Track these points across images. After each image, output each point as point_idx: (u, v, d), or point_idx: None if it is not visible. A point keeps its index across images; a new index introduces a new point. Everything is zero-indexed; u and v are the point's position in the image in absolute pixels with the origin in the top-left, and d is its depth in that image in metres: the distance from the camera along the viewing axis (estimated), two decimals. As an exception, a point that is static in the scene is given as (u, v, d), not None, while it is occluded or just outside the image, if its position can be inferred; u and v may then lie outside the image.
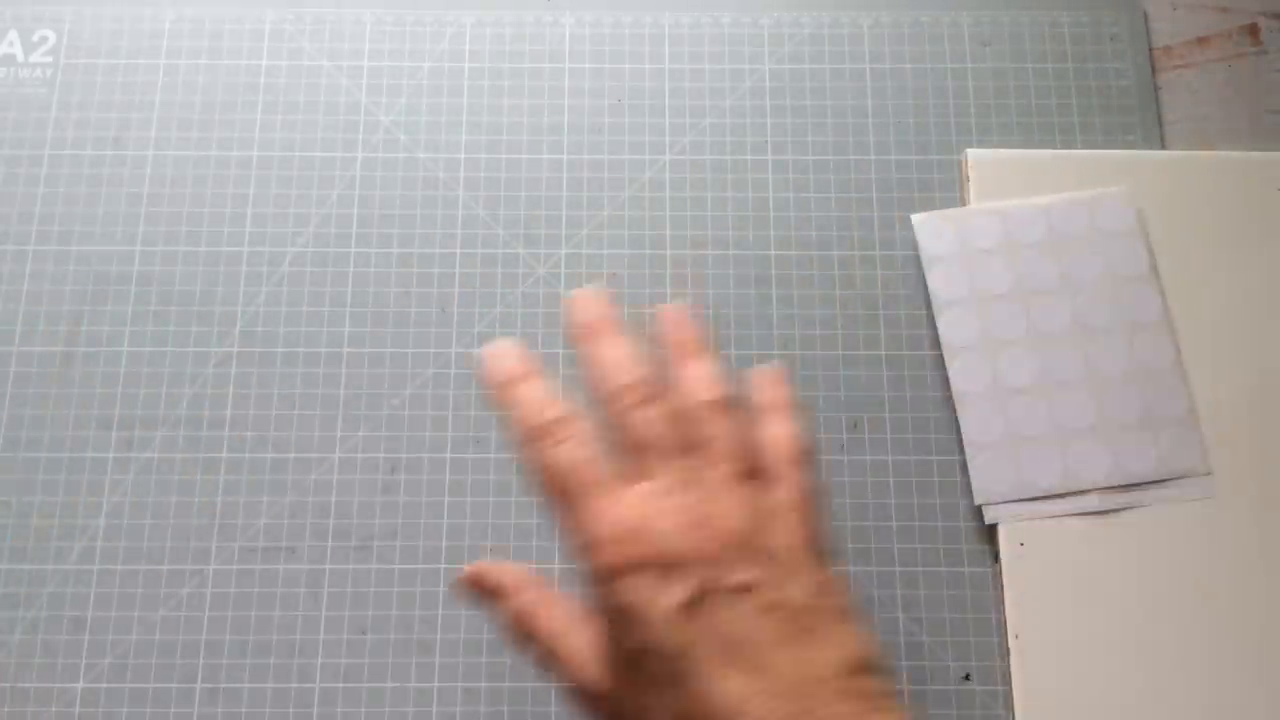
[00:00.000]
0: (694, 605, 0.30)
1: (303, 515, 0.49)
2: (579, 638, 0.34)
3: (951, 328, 0.51)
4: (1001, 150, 0.54)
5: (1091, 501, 0.48)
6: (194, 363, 0.51)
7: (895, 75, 0.56)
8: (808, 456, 0.36)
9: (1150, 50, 0.56)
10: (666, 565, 0.31)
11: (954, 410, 0.50)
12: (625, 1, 0.57)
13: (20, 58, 0.56)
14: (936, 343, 0.51)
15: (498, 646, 0.48)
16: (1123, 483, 0.49)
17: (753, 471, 0.34)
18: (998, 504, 0.49)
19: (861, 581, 0.49)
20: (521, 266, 0.53)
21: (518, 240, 0.53)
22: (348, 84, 0.56)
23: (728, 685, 0.29)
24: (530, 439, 0.35)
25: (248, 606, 0.48)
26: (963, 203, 0.53)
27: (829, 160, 0.55)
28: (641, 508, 0.32)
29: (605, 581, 0.32)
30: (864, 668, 0.31)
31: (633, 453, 0.34)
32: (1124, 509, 0.49)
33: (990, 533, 0.49)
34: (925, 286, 0.52)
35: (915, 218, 0.52)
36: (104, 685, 0.47)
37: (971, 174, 0.53)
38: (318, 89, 0.56)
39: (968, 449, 0.49)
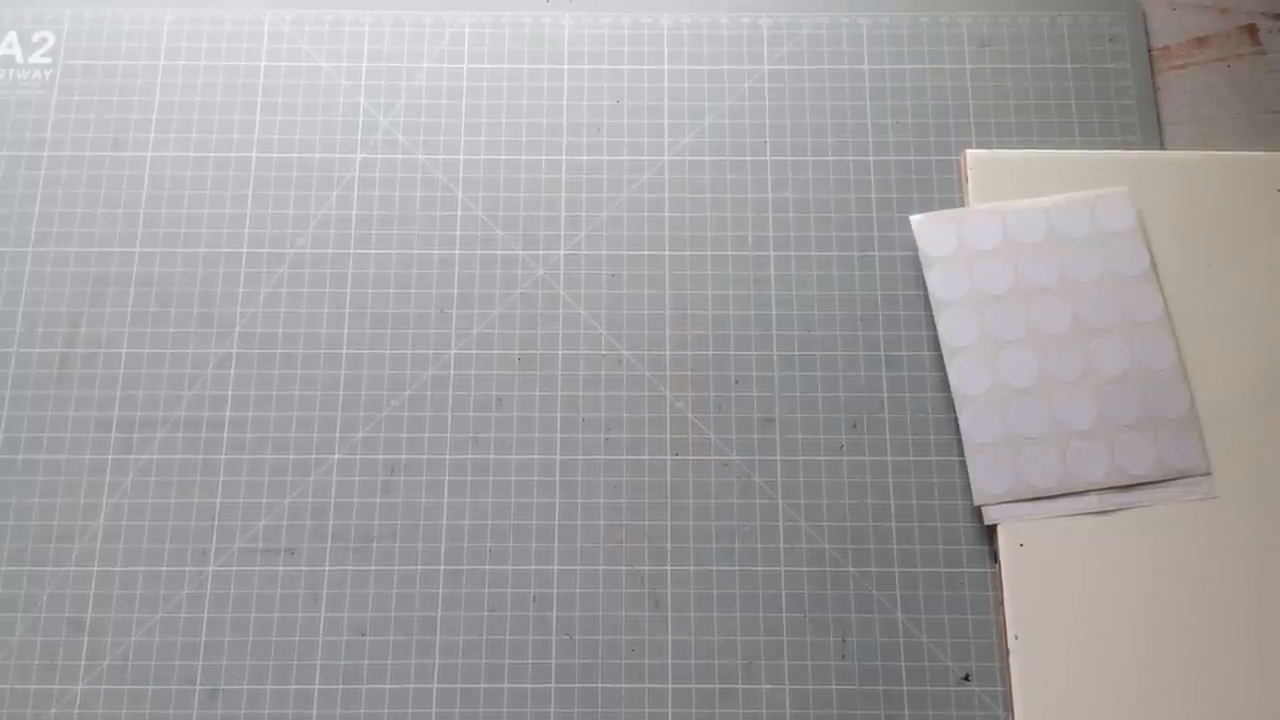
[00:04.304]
0: None
1: (303, 515, 0.49)
2: None
3: (951, 328, 0.51)
4: (1001, 150, 0.54)
5: (1091, 502, 0.48)
6: (194, 363, 0.51)
7: (895, 75, 0.56)
8: None
9: (1150, 50, 0.56)
10: None
11: (954, 410, 0.50)
12: (625, 1, 0.57)
13: (20, 59, 0.56)
14: (936, 343, 0.51)
15: (498, 647, 0.48)
16: (1122, 483, 0.49)
17: None
18: (997, 504, 0.49)
19: (861, 581, 0.49)
20: (521, 267, 0.53)
21: (517, 241, 0.53)
22: (347, 84, 0.56)
23: None
24: None
25: (248, 607, 0.48)
26: (962, 203, 0.53)
27: (829, 160, 0.55)
28: None
29: None
30: None
31: None
32: (1124, 509, 0.48)
33: (990, 533, 0.49)
34: (925, 286, 0.52)
35: (914, 218, 0.52)
36: (104, 686, 0.47)
37: (971, 174, 0.53)
38: (317, 89, 0.56)
39: (967, 449, 0.49)
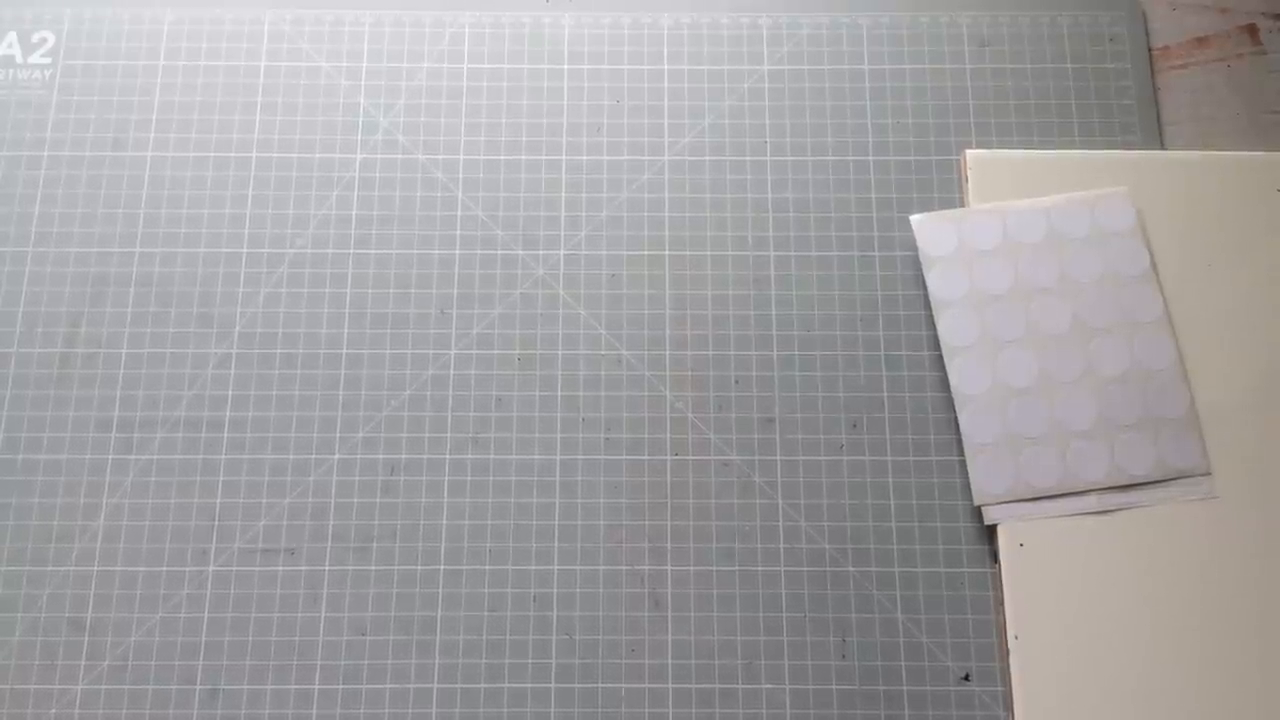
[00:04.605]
0: None
1: (303, 515, 0.49)
2: None
3: (951, 328, 0.51)
4: (1001, 150, 0.54)
5: (1091, 502, 0.48)
6: (194, 363, 0.51)
7: (895, 75, 0.56)
8: None
9: (1150, 50, 0.56)
10: None
11: (954, 410, 0.50)
12: (625, 1, 0.57)
13: (20, 59, 0.56)
14: (936, 343, 0.51)
15: (498, 646, 0.48)
16: (1122, 483, 0.49)
17: None
18: (997, 504, 0.49)
19: (861, 581, 0.49)
20: (521, 267, 0.53)
21: (517, 241, 0.53)
22: (347, 84, 0.56)
23: None
24: None
25: (248, 607, 0.48)
26: (962, 203, 0.53)
27: (829, 160, 0.55)
28: None
29: None
30: None
31: None
32: (1124, 509, 0.48)
33: (990, 533, 0.49)
34: (925, 286, 0.52)
35: (914, 218, 0.52)
36: (104, 686, 0.47)
37: (971, 174, 0.53)
38: (318, 89, 0.56)
39: (967, 449, 0.49)
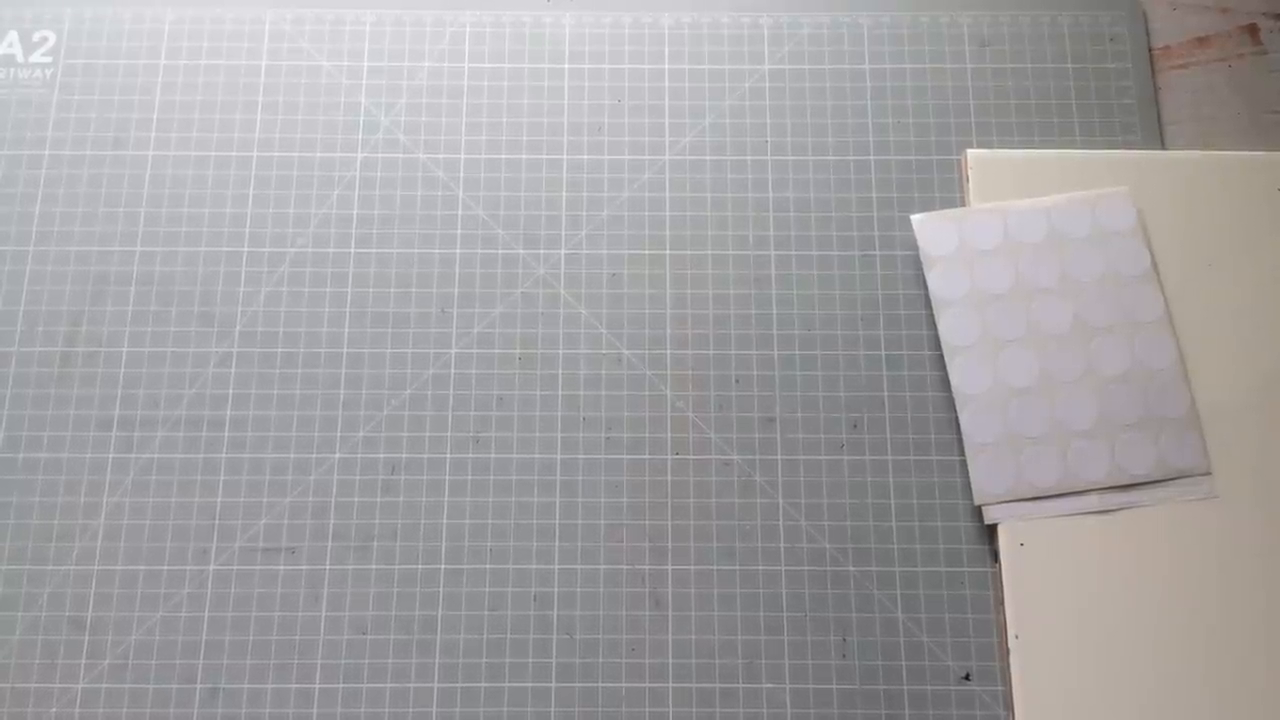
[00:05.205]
0: None
1: (303, 515, 0.49)
2: None
3: (951, 328, 0.51)
4: (1001, 150, 0.54)
5: (1091, 501, 0.48)
6: (194, 363, 0.52)
7: (895, 75, 0.56)
8: None
9: (1150, 50, 0.56)
10: None
11: (954, 410, 0.50)
12: (625, 1, 0.57)
13: (20, 58, 0.56)
14: (936, 343, 0.51)
15: (498, 646, 0.48)
16: (1123, 483, 0.49)
17: None
18: (998, 504, 0.49)
19: (861, 581, 0.49)
20: (521, 267, 0.53)
21: (517, 240, 0.53)
22: (348, 84, 0.56)
23: None
24: None
25: (248, 606, 0.48)
26: (963, 203, 0.53)
27: (829, 160, 0.55)
28: None
29: None
30: None
31: None
32: (1124, 509, 0.49)
33: (990, 533, 0.49)
34: (925, 286, 0.52)
35: (915, 218, 0.52)
36: (104, 685, 0.47)
37: (971, 174, 0.53)
38: (318, 89, 0.56)
39: (968, 449, 0.49)
